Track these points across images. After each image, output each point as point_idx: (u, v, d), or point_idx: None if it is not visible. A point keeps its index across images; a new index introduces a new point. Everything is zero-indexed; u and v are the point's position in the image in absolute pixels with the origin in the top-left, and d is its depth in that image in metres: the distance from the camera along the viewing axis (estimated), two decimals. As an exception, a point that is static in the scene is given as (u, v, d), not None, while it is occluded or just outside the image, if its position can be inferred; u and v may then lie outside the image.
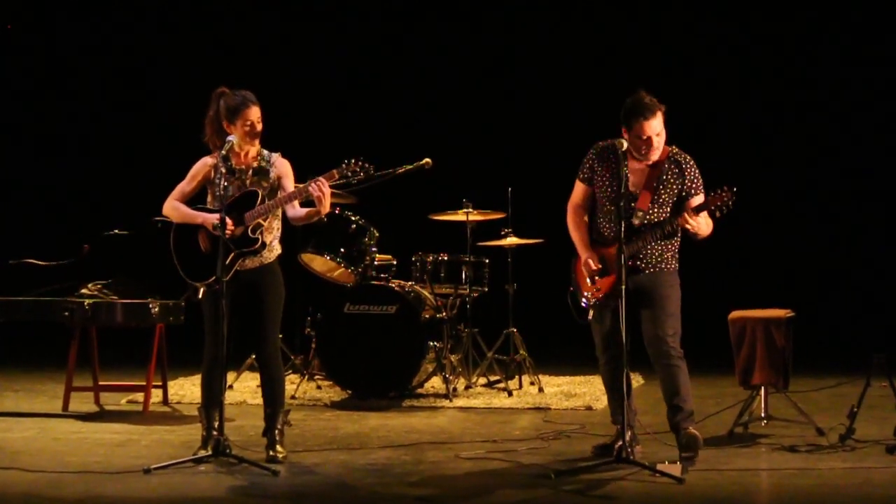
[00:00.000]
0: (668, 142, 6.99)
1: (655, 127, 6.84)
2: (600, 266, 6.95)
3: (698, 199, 6.92)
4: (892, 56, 13.02)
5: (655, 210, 6.92)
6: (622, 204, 6.73)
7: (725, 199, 6.74)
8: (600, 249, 7.00)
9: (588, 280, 7.01)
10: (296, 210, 7.05)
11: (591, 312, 7.04)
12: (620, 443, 6.64)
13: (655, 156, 6.91)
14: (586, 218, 7.12)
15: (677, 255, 7.07)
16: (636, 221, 6.88)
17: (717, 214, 6.80)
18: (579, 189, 7.12)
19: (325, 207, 6.93)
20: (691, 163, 7.00)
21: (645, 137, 6.84)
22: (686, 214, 6.78)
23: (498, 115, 13.62)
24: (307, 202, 7.03)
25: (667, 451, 7.06)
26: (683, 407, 6.92)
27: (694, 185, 6.96)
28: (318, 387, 9.74)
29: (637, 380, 9.50)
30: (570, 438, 7.74)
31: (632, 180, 6.90)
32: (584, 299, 7.04)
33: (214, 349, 6.98)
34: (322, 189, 6.85)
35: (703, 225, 6.84)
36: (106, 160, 13.89)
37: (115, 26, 13.87)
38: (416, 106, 13.62)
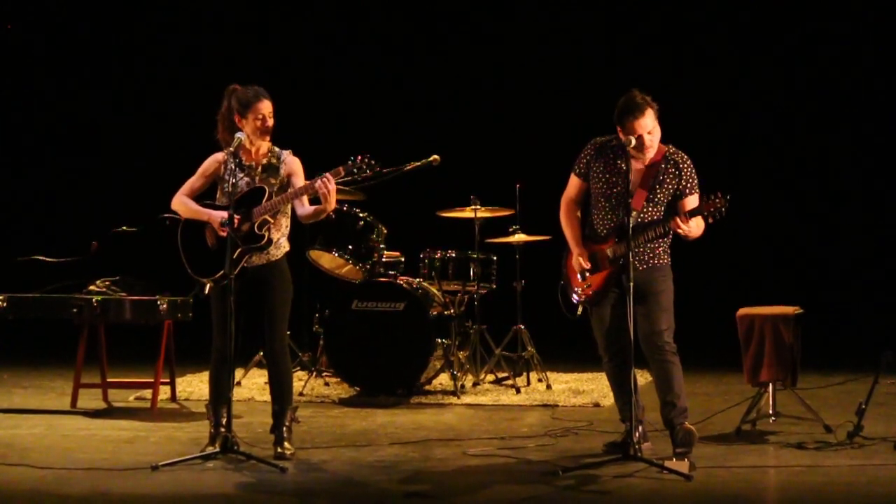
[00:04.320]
0: (669, 140, 6.97)
1: (646, 125, 6.81)
2: (590, 265, 6.97)
3: (692, 201, 6.87)
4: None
5: (650, 210, 6.90)
6: (630, 201, 6.73)
7: (719, 205, 6.69)
8: (592, 246, 6.99)
9: (578, 276, 7.02)
10: (304, 207, 7.06)
11: (580, 309, 7.05)
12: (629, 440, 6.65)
13: (650, 153, 6.90)
14: (579, 213, 7.13)
15: (669, 250, 7.04)
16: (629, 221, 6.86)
17: (710, 220, 6.78)
18: (574, 184, 7.12)
19: (331, 204, 6.93)
20: (688, 162, 6.96)
21: (641, 134, 6.82)
22: (678, 219, 6.74)
23: (506, 112, 13.61)
24: (314, 199, 7.04)
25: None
26: (677, 403, 6.88)
27: (689, 185, 6.92)
28: (326, 383, 9.75)
29: (644, 377, 9.50)
30: (578, 435, 7.74)
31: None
32: (574, 295, 7.05)
33: (222, 346, 6.99)
34: (327, 186, 6.86)
35: (694, 228, 6.81)
36: (114, 156, 13.90)
37: (123, 22, 13.88)
38: (424, 103, 13.61)
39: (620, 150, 6.86)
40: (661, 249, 7.00)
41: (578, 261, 7.00)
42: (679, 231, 6.77)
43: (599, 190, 6.99)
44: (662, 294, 6.95)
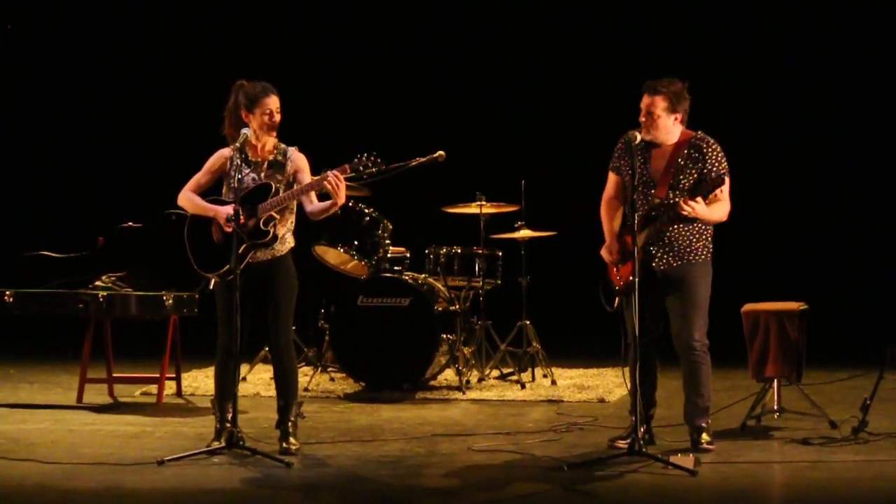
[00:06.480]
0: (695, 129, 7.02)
1: (656, 103, 6.90)
2: (615, 256, 6.99)
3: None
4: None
5: (675, 196, 6.89)
6: (634, 196, 6.75)
7: (714, 176, 6.78)
8: (625, 237, 7.01)
9: (613, 269, 7.04)
10: (314, 204, 7.06)
11: (616, 301, 7.05)
12: (634, 435, 6.65)
13: (660, 135, 6.94)
14: (620, 208, 7.13)
15: (709, 246, 7.04)
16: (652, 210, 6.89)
17: (709, 196, 6.78)
18: (611, 180, 7.18)
19: (341, 199, 6.94)
20: (714, 146, 6.98)
21: (642, 108, 6.93)
22: (681, 200, 6.77)
23: (511, 108, 13.61)
24: (322, 196, 7.05)
25: (681, 444, 7.06)
26: (700, 403, 6.94)
27: (715, 169, 6.92)
28: (332, 379, 9.76)
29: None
30: (583, 431, 7.75)
31: (653, 167, 6.96)
32: (614, 287, 7.06)
33: (228, 341, 7.00)
34: (337, 181, 6.87)
35: (701, 210, 6.79)
36: (120, 152, 13.91)
37: (129, 20, 13.88)
38: (430, 98, 13.60)
39: (634, 146, 6.90)
40: (699, 244, 6.99)
41: (604, 252, 7.04)
42: (683, 212, 6.76)
43: (629, 183, 7.00)
44: (698, 291, 6.96)
